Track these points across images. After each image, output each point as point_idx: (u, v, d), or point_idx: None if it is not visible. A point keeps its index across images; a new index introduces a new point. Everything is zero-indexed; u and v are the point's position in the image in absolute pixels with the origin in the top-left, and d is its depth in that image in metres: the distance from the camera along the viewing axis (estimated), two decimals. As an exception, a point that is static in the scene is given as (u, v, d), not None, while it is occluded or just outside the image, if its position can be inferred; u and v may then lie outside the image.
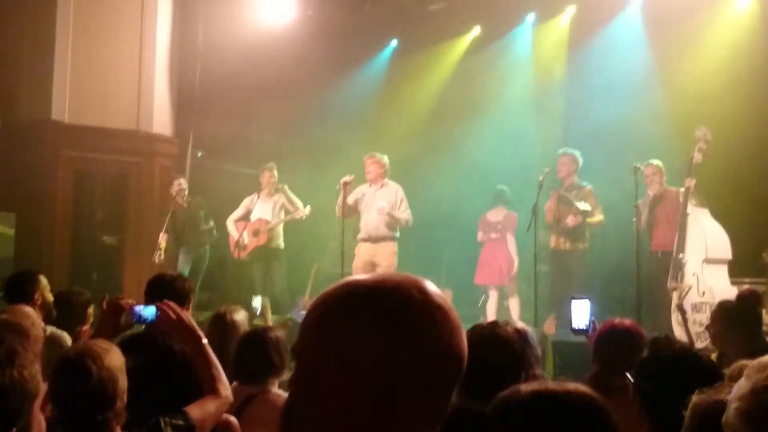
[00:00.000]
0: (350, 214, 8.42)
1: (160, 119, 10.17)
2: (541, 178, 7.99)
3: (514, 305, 8.79)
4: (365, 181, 8.51)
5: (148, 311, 3.08)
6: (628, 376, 3.14)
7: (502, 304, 8.95)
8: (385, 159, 8.54)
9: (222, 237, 9.47)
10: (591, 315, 4.20)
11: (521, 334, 2.97)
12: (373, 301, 1.19)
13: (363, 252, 8.34)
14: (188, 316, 3.01)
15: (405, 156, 9.72)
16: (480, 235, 9.13)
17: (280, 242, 9.17)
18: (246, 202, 9.09)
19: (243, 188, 9.63)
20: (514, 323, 3.10)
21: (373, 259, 8.21)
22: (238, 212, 9.13)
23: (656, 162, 8.06)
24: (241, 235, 9.01)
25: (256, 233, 9.04)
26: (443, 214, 9.83)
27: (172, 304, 3.01)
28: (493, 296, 9.02)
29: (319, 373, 1.18)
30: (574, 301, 4.38)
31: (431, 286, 1.23)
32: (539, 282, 8.16)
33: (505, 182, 9.31)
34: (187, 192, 9.29)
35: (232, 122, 10.47)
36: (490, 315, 8.69)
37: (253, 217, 9.11)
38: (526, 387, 1.43)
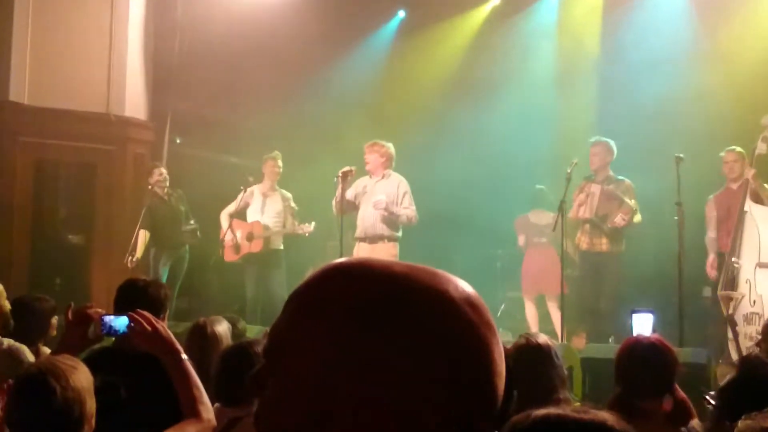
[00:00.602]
0: (349, 210, 8.50)
1: (134, 101, 10.25)
2: (569, 171, 8.01)
3: (556, 316, 8.77)
4: (367, 172, 8.51)
5: (120, 322, 3.10)
6: (708, 398, 3.21)
7: (542, 315, 9.19)
8: (389, 147, 8.58)
9: (204, 235, 9.55)
10: (654, 331, 4.13)
11: (543, 351, 2.97)
12: (385, 291, 1.13)
13: (361, 253, 8.35)
14: (165, 327, 3.04)
15: (412, 144, 9.74)
16: (521, 240, 9.27)
17: (279, 244, 9.23)
18: (245, 196, 9.12)
19: (227, 180, 9.73)
20: (536, 337, 3.18)
21: None
22: (233, 206, 9.16)
23: (738, 149, 8.05)
24: (234, 235, 9.17)
25: (249, 238, 9.13)
26: (456, 212, 9.87)
27: (146, 313, 3.04)
28: (530, 307, 9.23)
29: (291, 364, 1.13)
30: (635, 315, 4.40)
31: (462, 283, 1.17)
32: (567, 288, 8.23)
33: (527, 174, 9.50)
34: (168, 183, 9.31)
35: (215, 105, 10.54)
36: (532, 324, 8.94)
37: (250, 217, 9.19)
38: (538, 412, 1.38)
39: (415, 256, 8.12)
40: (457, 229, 9.96)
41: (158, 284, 3.90)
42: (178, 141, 10.84)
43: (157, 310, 3.54)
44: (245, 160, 10.31)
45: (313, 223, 8.94)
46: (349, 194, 8.45)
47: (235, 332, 5.00)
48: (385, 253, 8.21)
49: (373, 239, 8.39)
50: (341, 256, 6.97)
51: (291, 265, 9.48)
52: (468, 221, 9.86)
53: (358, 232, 8.49)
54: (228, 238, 9.15)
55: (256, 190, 9.25)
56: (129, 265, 8.92)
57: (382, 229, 8.40)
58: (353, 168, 8.43)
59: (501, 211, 9.51)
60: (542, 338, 3.39)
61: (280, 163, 9.23)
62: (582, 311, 8.61)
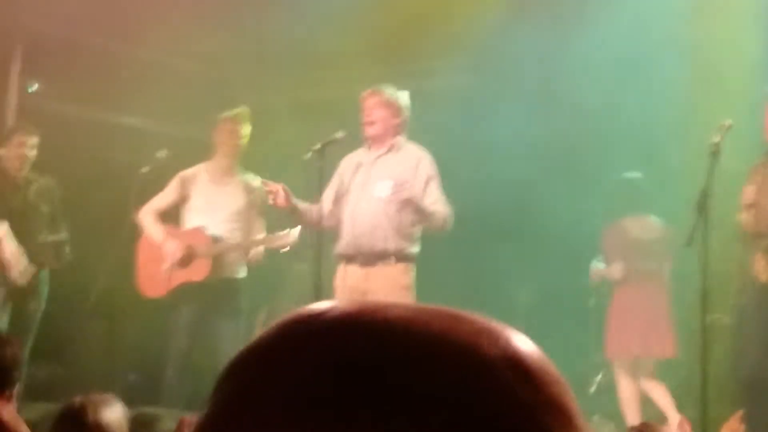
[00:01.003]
0: (333, 217, 7.62)
1: None
2: (716, 140, 6.98)
3: (658, 391, 8.32)
4: (361, 143, 7.76)
5: None
6: None
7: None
8: (401, 98, 7.68)
9: (80, 251, 8.79)
10: None
11: None
12: (369, 353, 0.94)
13: (345, 282, 7.55)
14: (16, 420, 3.13)
15: (441, 96, 9.56)
16: (618, 268, 8.53)
17: (238, 268, 8.48)
18: (184, 182, 8.40)
19: (119, 157, 9.43)
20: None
21: (365, 297, 7.35)
22: (161, 200, 8.41)
23: None
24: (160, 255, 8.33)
25: (186, 259, 8.25)
26: (511, 213, 9.28)
27: None
28: (625, 379, 8.41)
29: None
30: None
31: (508, 335, 0.98)
32: (712, 345, 7.18)
33: (635, 146, 8.98)
34: (29, 161, 8.51)
35: (99, 25, 9.58)
36: (629, 407, 8.32)
37: (191, 220, 8.41)
38: None
39: (443, 289, 8.16)
40: (515, 240, 9.26)
41: (2, 339, 3.84)
42: (33, 88, 10.20)
43: (1, 384, 3.52)
44: (154, 123, 9.89)
45: (297, 229, 7.85)
46: (334, 183, 7.70)
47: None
48: (390, 282, 7.36)
49: (368, 258, 7.38)
50: (318, 289, 7.25)
51: None
52: (535, 228, 9.30)
53: (343, 247, 7.53)
54: (154, 255, 8.35)
55: (202, 174, 8.42)
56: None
57: (386, 241, 7.36)
58: (342, 134, 7.57)
59: (592, 211, 8.87)
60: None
61: (244, 128, 8.40)
62: (739, 381, 7.70)
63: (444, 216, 7.45)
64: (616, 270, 8.57)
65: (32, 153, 8.67)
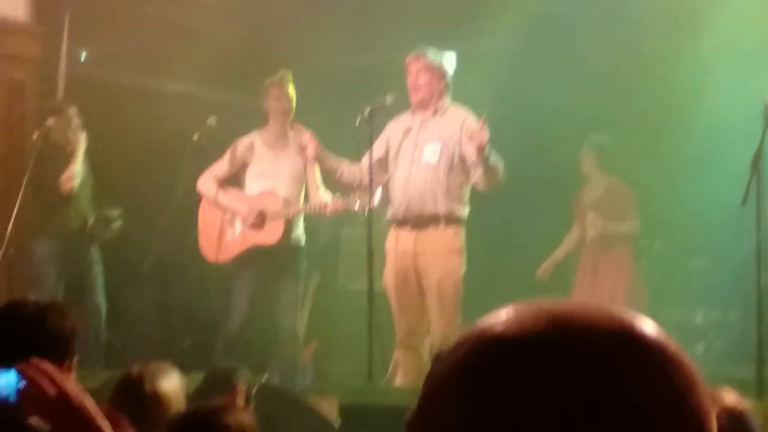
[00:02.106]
0: (382, 176, 7.63)
1: None
2: None
3: None
4: (408, 107, 7.68)
5: (4, 381, 2.76)
6: None
7: None
8: (445, 60, 7.63)
9: (135, 222, 8.90)
10: None
11: (734, 418, 2.83)
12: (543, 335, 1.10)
13: (400, 245, 7.47)
14: (74, 386, 2.74)
15: (489, 55, 9.41)
16: (575, 232, 8.82)
17: (302, 233, 8.42)
18: (241, 150, 8.35)
19: (169, 125, 9.17)
20: (721, 396, 2.94)
21: (415, 262, 7.33)
22: (220, 168, 8.39)
23: None
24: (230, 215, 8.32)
25: (259, 222, 8.20)
26: (560, 175, 9.16)
27: (46, 366, 2.70)
28: None
29: None
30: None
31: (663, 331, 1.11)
32: (766, 306, 6.87)
33: (689, 108, 8.73)
34: (79, 135, 8.51)
35: None
36: None
37: (253, 186, 8.35)
38: None
39: (493, 252, 8.84)
40: (560, 204, 9.15)
41: (60, 310, 3.62)
42: (83, 57, 10.10)
43: (60, 354, 3.34)
44: (203, 89, 9.83)
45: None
46: (379, 146, 7.64)
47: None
48: (440, 245, 7.33)
49: (418, 222, 7.36)
50: (370, 255, 7.23)
51: None
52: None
53: (394, 211, 7.50)
54: (217, 220, 8.36)
55: (257, 140, 8.35)
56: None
57: (436, 204, 7.34)
58: (391, 99, 7.58)
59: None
60: (731, 397, 3.00)
61: (291, 89, 8.27)
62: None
63: (499, 166, 7.37)
64: (574, 233, 8.78)
65: (72, 122, 8.72)
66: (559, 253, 8.73)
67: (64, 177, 8.53)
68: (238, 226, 8.40)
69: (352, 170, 7.66)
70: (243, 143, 8.46)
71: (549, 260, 8.69)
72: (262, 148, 8.43)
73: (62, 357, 3.38)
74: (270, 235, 8.26)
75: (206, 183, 8.45)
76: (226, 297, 8.64)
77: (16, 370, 2.77)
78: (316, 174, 8.42)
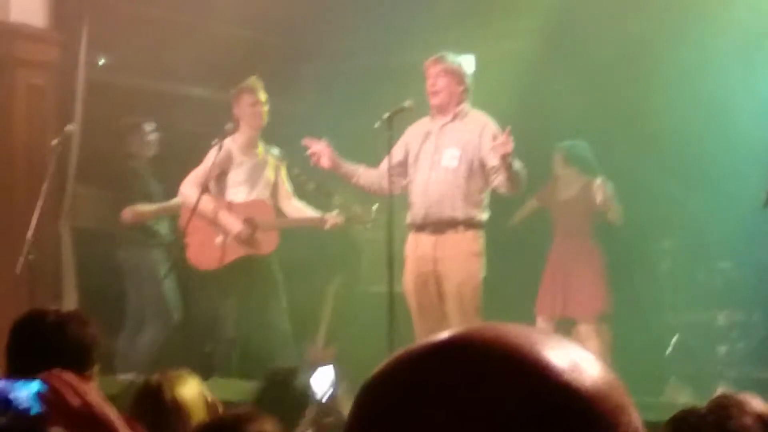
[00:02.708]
0: (401, 181, 7.61)
1: None
2: None
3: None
4: (427, 111, 7.66)
5: (26, 392, 2.82)
6: None
7: None
8: (464, 64, 7.66)
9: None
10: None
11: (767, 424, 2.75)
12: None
13: (419, 249, 7.48)
14: (97, 396, 2.84)
15: (506, 57, 9.47)
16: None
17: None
18: (220, 156, 8.22)
19: (189, 129, 9.45)
20: (749, 402, 2.74)
21: (435, 266, 7.32)
22: (203, 175, 8.24)
23: None
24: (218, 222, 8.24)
25: (246, 234, 8.15)
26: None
27: (67, 375, 2.82)
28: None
29: None
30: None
31: (586, 359, 1.14)
32: None
33: (706, 115, 8.59)
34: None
35: (168, 3, 9.78)
36: None
37: (237, 194, 8.35)
38: None
39: (514, 255, 8.57)
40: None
41: (81, 319, 3.66)
42: (101, 63, 10.16)
43: (82, 363, 3.39)
44: (222, 94, 9.29)
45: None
46: (398, 151, 7.62)
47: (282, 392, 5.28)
48: (459, 249, 7.36)
49: (438, 227, 7.36)
50: (391, 258, 7.18)
51: (303, 277, 8.96)
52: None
53: (413, 215, 7.49)
54: (204, 227, 8.28)
55: (233, 147, 8.28)
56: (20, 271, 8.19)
57: (455, 209, 7.35)
58: (410, 103, 7.44)
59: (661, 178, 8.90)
60: (758, 403, 2.68)
61: (262, 95, 8.27)
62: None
63: (521, 176, 7.31)
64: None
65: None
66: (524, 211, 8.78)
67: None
68: (232, 227, 8.35)
69: (369, 174, 7.64)
70: (221, 152, 8.37)
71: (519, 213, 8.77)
72: (239, 155, 8.40)
73: (84, 366, 3.40)
74: (264, 245, 8.28)
75: (190, 190, 8.36)
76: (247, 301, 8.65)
77: (39, 380, 2.79)
78: (286, 182, 8.44)
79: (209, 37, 10.10)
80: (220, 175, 8.34)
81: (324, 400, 5.97)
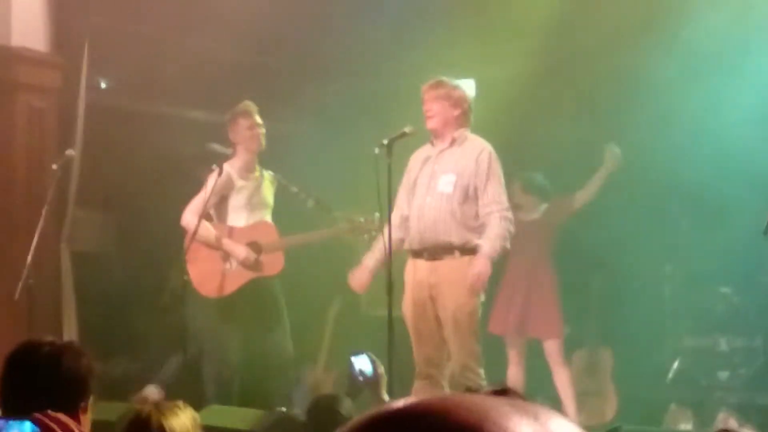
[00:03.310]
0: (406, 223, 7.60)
1: (26, 22, 9.24)
2: None
3: (561, 376, 8.53)
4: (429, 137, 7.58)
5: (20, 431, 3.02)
6: None
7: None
8: (464, 88, 7.53)
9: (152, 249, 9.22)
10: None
11: None
12: None
13: (418, 275, 7.35)
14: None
15: (507, 82, 9.30)
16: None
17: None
18: (221, 183, 8.11)
19: (188, 152, 9.30)
20: None
21: (431, 292, 7.22)
22: (200, 200, 8.09)
23: None
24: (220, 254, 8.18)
25: (252, 259, 8.06)
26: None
27: (59, 416, 3.01)
28: (512, 351, 8.73)
29: None
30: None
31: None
32: None
33: (709, 140, 8.53)
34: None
35: (165, 22, 9.64)
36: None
37: (239, 219, 8.24)
38: None
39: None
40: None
41: (76, 350, 3.67)
42: (102, 86, 10.14)
43: (76, 394, 3.43)
44: (218, 116, 9.30)
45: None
46: (406, 181, 7.58)
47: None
48: (456, 275, 7.20)
49: (434, 252, 7.26)
50: (391, 282, 7.04)
51: (303, 299, 8.78)
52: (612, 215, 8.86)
53: (410, 241, 7.40)
54: (209, 254, 8.15)
55: (231, 172, 8.17)
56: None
57: (450, 234, 7.25)
58: (410, 129, 7.30)
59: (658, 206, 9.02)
60: None
61: (257, 119, 8.19)
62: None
63: (508, 223, 7.24)
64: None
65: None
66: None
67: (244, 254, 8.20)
68: (237, 253, 8.26)
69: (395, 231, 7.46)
70: (221, 177, 8.26)
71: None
72: (238, 180, 8.34)
73: (78, 397, 3.43)
74: (271, 266, 8.22)
75: (192, 218, 8.23)
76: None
77: (32, 420, 2.83)
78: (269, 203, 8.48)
79: (210, 60, 10.16)
80: (221, 201, 8.27)
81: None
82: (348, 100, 10.21)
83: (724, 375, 8.29)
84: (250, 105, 8.30)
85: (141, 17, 9.70)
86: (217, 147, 8.37)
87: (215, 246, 8.10)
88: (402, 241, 7.47)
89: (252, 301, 8.21)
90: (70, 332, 8.68)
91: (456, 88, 7.44)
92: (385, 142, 7.17)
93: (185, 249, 8.20)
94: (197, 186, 8.67)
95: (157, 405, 4.24)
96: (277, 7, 9.75)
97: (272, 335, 8.19)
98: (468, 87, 7.62)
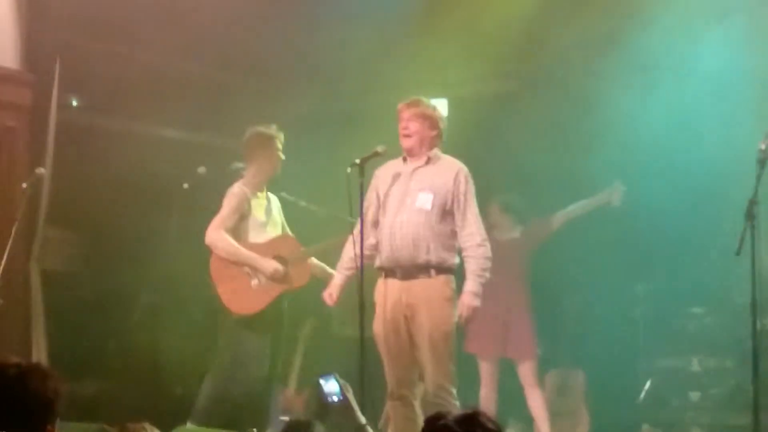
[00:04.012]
0: (375, 224, 7.43)
1: None
2: (762, 147, 6.72)
3: (535, 398, 8.58)
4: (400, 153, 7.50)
5: None
6: None
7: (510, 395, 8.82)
8: (438, 109, 7.48)
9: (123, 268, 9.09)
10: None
11: None
12: None
13: (389, 294, 7.18)
14: None
15: (479, 101, 9.53)
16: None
17: None
18: (241, 201, 8.08)
19: (163, 171, 9.16)
20: None
21: (406, 311, 7.04)
22: (229, 220, 8.08)
23: None
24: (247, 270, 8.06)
25: (282, 272, 8.02)
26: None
27: None
28: (487, 372, 8.77)
29: None
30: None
31: None
32: (762, 353, 6.78)
33: (682, 156, 8.65)
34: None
35: (138, 39, 9.58)
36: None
37: (259, 236, 8.15)
38: None
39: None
40: (559, 249, 8.95)
41: (42, 372, 3.52)
42: (74, 104, 9.96)
43: (43, 417, 3.34)
44: (195, 135, 9.78)
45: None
46: (371, 198, 7.44)
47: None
48: (432, 294, 7.06)
49: (409, 271, 7.10)
50: (363, 301, 6.96)
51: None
52: (580, 235, 8.89)
53: (382, 260, 7.25)
54: (237, 272, 8.02)
55: (247, 191, 8.11)
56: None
57: (428, 253, 7.09)
58: (382, 148, 7.28)
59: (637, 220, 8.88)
60: None
61: (279, 143, 8.15)
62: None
63: (484, 250, 7.12)
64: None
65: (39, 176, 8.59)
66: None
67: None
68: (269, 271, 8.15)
69: (353, 258, 7.38)
70: (240, 194, 8.23)
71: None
72: (253, 198, 8.28)
73: (44, 421, 3.39)
74: (299, 278, 8.14)
75: (220, 235, 8.14)
76: (215, 343, 8.44)
77: None
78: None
79: (181, 78, 10.12)
80: (241, 219, 8.16)
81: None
82: (321, 120, 10.15)
83: (695, 396, 8.29)
84: (273, 129, 8.24)
85: (112, 35, 9.58)
86: (240, 166, 8.29)
87: (243, 262, 7.98)
88: (372, 257, 7.33)
89: (273, 317, 8.12)
90: (39, 351, 8.56)
91: (434, 108, 7.40)
92: (357, 161, 7.11)
93: (211, 268, 8.09)
94: (168, 205, 8.55)
95: (122, 427, 4.18)
96: (248, 25, 9.80)
97: (280, 353, 8.20)
98: (441, 107, 7.59)
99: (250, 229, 8.16)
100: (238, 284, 8.04)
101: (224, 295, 8.06)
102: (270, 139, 8.21)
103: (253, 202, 8.21)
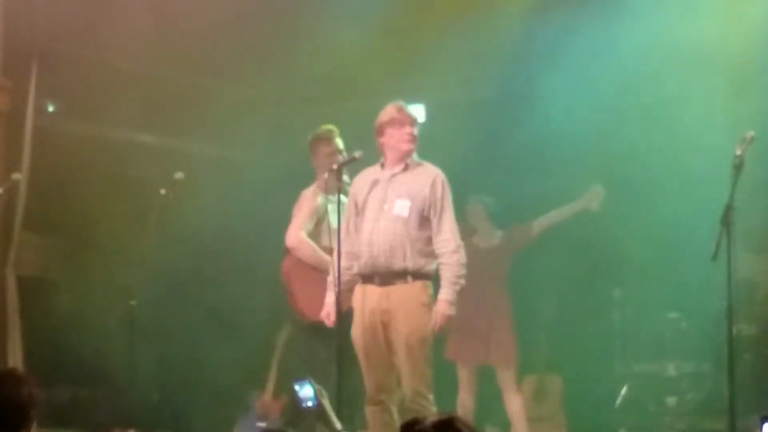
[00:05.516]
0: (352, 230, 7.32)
1: None
2: (738, 153, 6.69)
3: (514, 404, 8.50)
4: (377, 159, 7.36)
5: None
6: None
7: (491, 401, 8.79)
8: (416, 113, 7.39)
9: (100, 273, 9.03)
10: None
11: None
12: None
13: (367, 300, 7.09)
14: None
15: (457, 106, 9.47)
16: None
17: None
18: (317, 205, 7.99)
19: (143, 175, 9.21)
20: None
21: (383, 317, 6.97)
22: (308, 224, 7.97)
23: None
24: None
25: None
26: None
27: None
28: (464, 379, 8.68)
29: None
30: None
31: None
32: (738, 358, 7.06)
33: (659, 159, 8.72)
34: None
35: (114, 49, 9.49)
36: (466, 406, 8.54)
37: (328, 238, 7.81)
38: None
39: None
40: (536, 254, 8.83)
41: (17, 377, 3.62)
42: (50, 109, 9.85)
43: (17, 422, 3.40)
44: (171, 140, 9.69)
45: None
46: (349, 207, 7.36)
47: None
48: (409, 300, 6.98)
49: (386, 277, 7.01)
50: (339, 312, 6.94)
51: (250, 322, 9.08)
52: (556, 241, 8.85)
53: (360, 266, 7.15)
54: (316, 276, 7.74)
55: (319, 195, 7.99)
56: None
57: (405, 259, 7.02)
58: (360, 153, 7.26)
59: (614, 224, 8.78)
60: None
61: (338, 144, 7.89)
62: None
63: (458, 260, 7.01)
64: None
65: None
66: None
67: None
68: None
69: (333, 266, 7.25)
70: (315, 198, 8.13)
71: None
72: (325, 203, 8.14)
73: (20, 425, 3.41)
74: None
75: (304, 239, 8.03)
76: (196, 351, 8.38)
77: None
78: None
79: (158, 83, 10.06)
80: (318, 222, 8.07)
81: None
82: (299, 125, 9.61)
83: (672, 400, 8.28)
84: (330, 130, 8.13)
85: (89, 41, 9.45)
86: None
87: (325, 266, 7.69)
88: (351, 266, 7.20)
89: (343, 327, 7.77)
90: (15, 357, 8.53)
91: (408, 112, 7.28)
92: (335, 167, 7.11)
93: (285, 269, 7.99)
94: (145, 211, 8.37)
95: None
96: (225, 31, 9.71)
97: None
98: (419, 112, 7.57)
99: (322, 233, 8.00)
100: (318, 289, 7.66)
101: (302, 299, 7.94)
102: (323, 141, 8.07)
103: (324, 206, 8.06)
